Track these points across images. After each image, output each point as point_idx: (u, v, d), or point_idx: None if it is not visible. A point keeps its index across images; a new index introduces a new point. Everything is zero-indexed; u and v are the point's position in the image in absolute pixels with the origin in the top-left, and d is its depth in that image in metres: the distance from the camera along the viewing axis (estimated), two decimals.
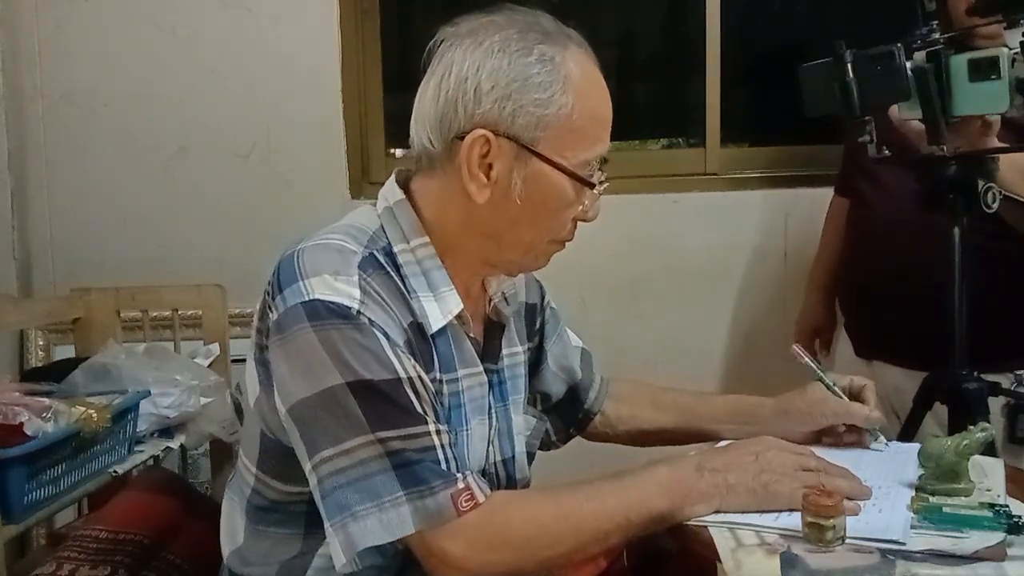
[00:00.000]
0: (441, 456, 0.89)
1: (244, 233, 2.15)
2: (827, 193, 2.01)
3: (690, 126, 2.41)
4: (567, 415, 1.26)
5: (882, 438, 1.15)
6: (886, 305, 1.68)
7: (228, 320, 1.98)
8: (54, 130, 2.17)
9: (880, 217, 1.69)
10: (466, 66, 0.92)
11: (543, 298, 1.24)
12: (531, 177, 0.94)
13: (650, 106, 2.59)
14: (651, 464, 0.96)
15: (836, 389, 1.16)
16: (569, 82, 0.93)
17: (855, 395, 1.16)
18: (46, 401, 1.42)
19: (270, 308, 0.93)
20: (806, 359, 1.19)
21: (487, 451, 1.05)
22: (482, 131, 0.92)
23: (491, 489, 0.93)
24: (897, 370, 1.69)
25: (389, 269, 0.96)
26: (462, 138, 0.93)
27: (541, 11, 0.97)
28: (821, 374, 1.17)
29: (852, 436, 1.15)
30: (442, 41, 0.96)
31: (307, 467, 0.90)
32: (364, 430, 0.87)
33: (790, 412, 1.17)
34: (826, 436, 1.16)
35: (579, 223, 1.02)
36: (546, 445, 1.25)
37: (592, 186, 0.97)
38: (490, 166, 0.94)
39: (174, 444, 1.73)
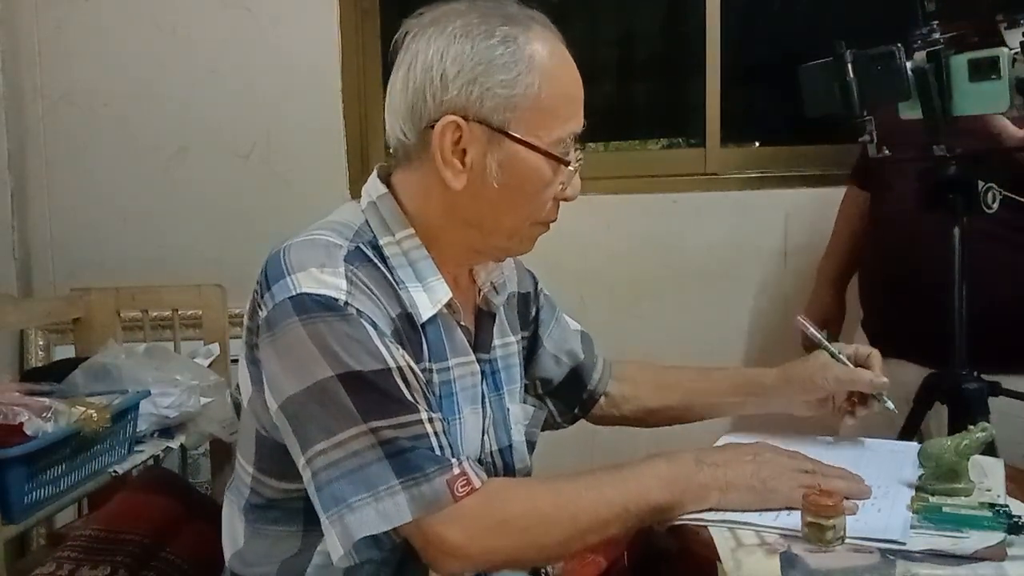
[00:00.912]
0: (435, 443, 0.89)
1: (244, 233, 2.15)
2: (827, 193, 2.01)
3: (690, 126, 2.41)
4: (571, 397, 1.26)
5: (889, 403, 1.13)
6: (906, 302, 1.66)
7: (228, 320, 1.98)
8: (54, 130, 2.17)
9: (904, 212, 1.67)
10: (430, 54, 0.93)
11: (536, 286, 1.24)
12: (506, 160, 0.94)
13: (650, 106, 2.59)
14: (650, 457, 0.96)
15: (841, 357, 1.15)
16: (534, 62, 0.93)
17: (860, 362, 1.16)
18: (46, 401, 1.42)
19: (259, 306, 0.93)
20: (811, 329, 1.18)
21: (482, 440, 1.05)
22: (452, 117, 0.92)
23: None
24: (915, 368, 1.67)
25: (376, 261, 0.96)
26: (433, 126, 0.93)
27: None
28: (826, 343, 1.17)
29: (863, 409, 1.15)
30: (407, 33, 0.97)
31: (300, 462, 0.90)
32: (356, 421, 0.87)
33: (793, 380, 1.17)
34: (836, 409, 1.16)
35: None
36: (551, 426, 1.25)
37: (567, 164, 0.97)
38: (464, 151, 0.94)
39: (174, 444, 1.73)
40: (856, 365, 1.15)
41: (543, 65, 0.93)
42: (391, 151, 1.02)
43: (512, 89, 0.92)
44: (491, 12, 0.94)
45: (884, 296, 1.74)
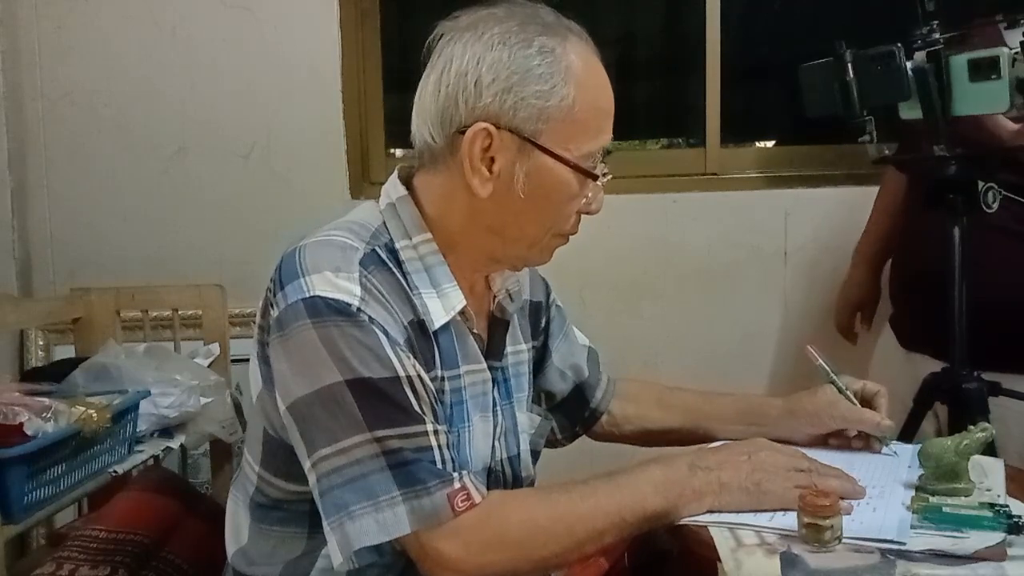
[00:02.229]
0: (438, 456, 0.89)
1: (244, 233, 2.15)
2: (827, 193, 2.01)
3: (690, 126, 2.41)
4: (573, 414, 1.26)
5: (893, 446, 1.13)
6: (924, 298, 1.64)
7: (228, 320, 1.98)
8: (54, 130, 2.17)
9: (919, 208, 1.64)
10: (466, 59, 0.92)
11: (548, 296, 1.23)
12: (534, 170, 0.94)
13: (650, 106, 2.59)
14: (644, 463, 0.96)
15: (848, 393, 1.14)
16: (570, 73, 0.92)
17: (867, 400, 1.15)
18: (46, 401, 1.42)
19: (272, 305, 0.93)
20: (820, 360, 1.17)
21: (493, 448, 1.04)
22: (483, 124, 0.92)
23: (499, 487, 0.93)
24: (936, 364, 1.65)
25: (391, 265, 0.95)
26: (463, 132, 0.92)
27: (541, 4, 0.97)
28: (834, 377, 1.16)
29: (860, 442, 1.14)
30: (441, 35, 0.96)
31: (306, 465, 0.90)
32: (362, 429, 0.87)
33: (798, 413, 1.16)
34: (833, 439, 1.15)
35: (582, 217, 1.01)
36: (552, 444, 1.25)
37: (595, 178, 0.97)
38: (492, 160, 0.93)
39: (174, 444, 1.73)
40: (862, 403, 1.14)
41: (579, 78, 0.93)
42: (415, 153, 1.00)
43: (547, 100, 0.91)
44: (529, 20, 0.93)
45: (907, 291, 1.73)
